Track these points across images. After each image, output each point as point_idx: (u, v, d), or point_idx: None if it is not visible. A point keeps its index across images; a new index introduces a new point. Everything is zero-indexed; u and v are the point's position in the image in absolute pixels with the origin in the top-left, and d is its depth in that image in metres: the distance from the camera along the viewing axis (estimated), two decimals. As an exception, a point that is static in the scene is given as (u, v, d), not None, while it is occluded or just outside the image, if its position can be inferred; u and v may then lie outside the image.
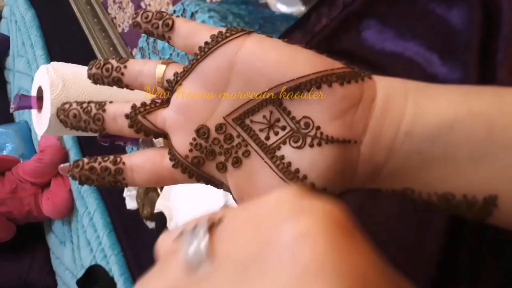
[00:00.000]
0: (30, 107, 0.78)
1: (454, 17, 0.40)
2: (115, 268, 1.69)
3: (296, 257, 0.15)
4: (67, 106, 0.31)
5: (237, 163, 0.29)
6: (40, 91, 0.77)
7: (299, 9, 0.92)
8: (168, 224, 0.81)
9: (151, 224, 1.15)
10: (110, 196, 1.85)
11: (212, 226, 0.18)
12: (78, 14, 2.23)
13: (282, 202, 0.17)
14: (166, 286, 0.17)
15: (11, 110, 0.80)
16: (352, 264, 0.15)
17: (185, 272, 0.17)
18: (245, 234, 0.17)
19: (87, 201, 1.96)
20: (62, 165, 0.31)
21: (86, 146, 2.11)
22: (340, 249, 0.15)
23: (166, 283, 0.17)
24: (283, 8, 0.98)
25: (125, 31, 1.97)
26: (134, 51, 1.88)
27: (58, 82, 0.75)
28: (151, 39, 1.11)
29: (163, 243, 0.19)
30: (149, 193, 1.09)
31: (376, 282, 0.15)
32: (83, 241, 1.97)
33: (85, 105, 0.31)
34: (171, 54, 1.06)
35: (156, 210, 0.88)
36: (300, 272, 0.15)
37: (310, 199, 0.17)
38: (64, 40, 2.40)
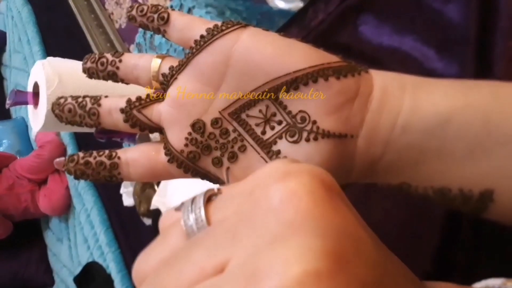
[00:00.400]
0: (26, 103, 0.78)
1: (451, 11, 0.40)
2: (112, 265, 1.69)
3: (280, 215, 0.16)
4: (62, 100, 0.31)
5: (233, 158, 0.29)
6: (36, 86, 0.76)
7: (297, 4, 0.92)
8: (164, 220, 0.81)
9: (148, 221, 1.15)
10: (107, 193, 1.84)
11: (211, 196, 0.19)
12: (75, 10, 2.22)
13: (273, 169, 0.18)
14: (168, 251, 0.18)
15: (7, 106, 0.80)
16: (334, 221, 0.16)
17: (185, 238, 0.18)
18: (238, 200, 0.18)
19: (84, 198, 1.95)
20: (57, 159, 0.31)
21: (83, 143, 2.11)
22: (323, 207, 0.16)
23: (168, 248, 0.18)
24: (281, 4, 0.98)
25: (122, 27, 1.97)
26: (132, 47, 1.88)
27: (54, 77, 0.75)
28: (148, 35, 1.11)
29: (165, 220, 0.20)
30: (146, 189, 1.09)
31: (356, 239, 0.16)
32: (80, 238, 1.97)
33: (80, 99, 0.31)
34: (168, 50, 1.06)
35: (152, 207, 0.88)
36: (283, 228, 0.15)
37: (298, 163, 0.18)
38: (61, 36, 2.39)
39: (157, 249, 0.18)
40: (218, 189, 0.19)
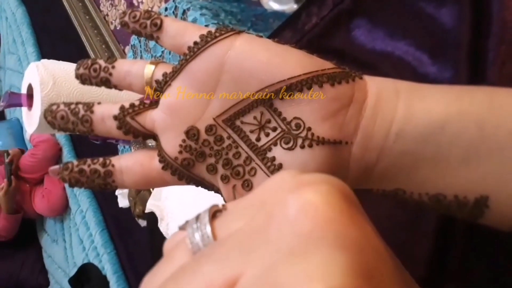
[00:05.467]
0: (20, 105, 0.78)
1: (444, 16, 0.40)
2: (107, 266, 1.68)
3: (297, 227, 0.15)
4: (54, 107, 0.31)
5: (228, 165, 0.29)
6: (30, 88, 0.76)
7: (291, 7, 0.92)
8: (159, 225, 0.81)
9: (143, 222, 1.15)
10: (103, 194, 1.84)
11: (215, 213, 0.18)
12: (69, 11, 2.22)
13: (283, 180, 0.17)
14: (174, 270, 0.17)
15: (0, 108, 0.80)
16: (354, 234, 0.15)
17: (191, 256, 0.17)
18: (248, 214, 0.17)
19: (80, 199, 1.95)
20: (52, 168, 0.31)
21: (79, 143, 2.10)
22: (342, 218, 0.15)
23: (174, 267, 0.17)
24: (275, 6, 0.98)
25: (117, 28, 1.96)
26: (127, 48, 1.87)
27: (48, 79, 0.74)
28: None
29: (169, 243, 0.19)
30: (141, 191, 1.09)
31: (377, 252, 0.15)
32: (75, 240, 1.96)
33: (72, 106, 0.30)
34: (163, 52, 1.06)
35: (147, 210, 0.87)
36: (301, 240, 0.15)
37: (310, 174, 0.17)
38: (56, 38, 2.39)
39: (163, 269, 0.18)
40: (223, 205, 0.19)
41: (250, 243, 0.15)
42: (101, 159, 0.30)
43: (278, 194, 0.17)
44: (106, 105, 0.30)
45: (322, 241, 0.14)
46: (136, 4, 1.80)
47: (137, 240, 1.61)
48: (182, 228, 0.19)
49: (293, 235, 0.15)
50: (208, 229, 0.17)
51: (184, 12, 0.97)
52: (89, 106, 0.30)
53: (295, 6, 0.97)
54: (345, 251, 0.14)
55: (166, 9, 1.03)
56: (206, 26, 0.91)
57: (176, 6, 1.00)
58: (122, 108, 0.30)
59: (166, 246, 0.19)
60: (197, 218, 0.18)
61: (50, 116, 0.31)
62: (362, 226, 0.16)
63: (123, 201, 1.30)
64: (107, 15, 2.04)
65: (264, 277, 0.14)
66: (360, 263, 0.14)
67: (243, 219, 0.17)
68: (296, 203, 0.16)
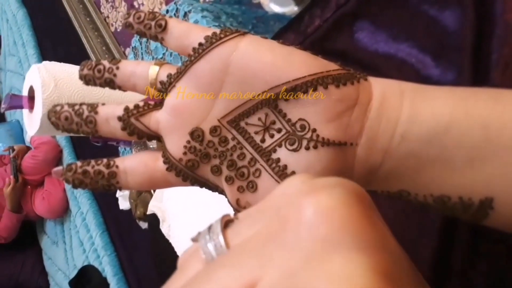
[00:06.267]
0: (21, 107, 0.78)
1: (447, 18, 0.40)
2: (108, 268, 1.68)
3: (314, 230, 0.15)
4: (58, 108, 0.30)
5: (232, 166, 0.29)
6: (31, 90, 0.76)
7: (292, 9, 0.92)
8: (160, 226, 0.81)
9: (144, 225, 1.15)
10: (103, 196, 1.84)
11: (227, 222, 0.18)
12: (70, 13, 2.22)
13: (295, 185, 0.17)
14: (188, 280, 0.17)
15: (1, 110, 0.80)
16: (372, 235, 0.15)
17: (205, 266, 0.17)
18: (262, 220, 0.17)
19: (80, 201, 1.95)
20: (55, 169, 0.31)
21: (79, 145, 2.10)
22: (360, 220, 0.15)
23: (188, 278, 0.17)
24: (276, 8, 0.98)
25: (118, 30, 1.96)
26: (127, 50, 1.88)
27: (49, 81, 0.74)
28: (144, 39, 1.10)
29: (183, 256, 0.19)
30: (142, 193, 1.09)
31: (395, 254, 0.15)
32: (75, 242, 1.96)
33: (77, 107, 0.30)
34: (164, 54, 1.06)
35: (149, 212, 0.87)
36: (320, 244, 0.14)
37: (323, 178, 0.17)
38: (56, 39, 2.39)
39: (177, 280, 0.17)
40: (235, 215, 0.19)
41: (266, 248, 0.15)
42: (105, 160, 0.30)
43: (292, 199, 0.16)
44: (110, 106, 0.30)
45: (341, 243, 0.14)
46: (137, 6, 1.80)
47: (137, 242, 1.61)
48: (194, 239, 0.19)
49: (311, 239, 0.15)
50: (221, 238, 0.17)
51: (185, 14, 0.98)
52: (93, 107, 0.30)
53: (295, 9, 0.97)
54: (365, 252, 0.14)
55: (167, 11, 1.03)
56: (208, 28, 0.91)
57: (177, 9, 1.00)
58: (126, 109, 0.30)
59: (180, 260, 0.19)
60: (209, 228, 0.18)
61: (54, 117, 0.30)
62: (379, 227, 0.16)
63: (123, 203, 1.30)
64: (108, 17, 2.04)
65: (284, 281, 0.14)
66: (380, 264, 0.14)
67: (256, 226, 0.17)
68: (311, 206, 0.15)
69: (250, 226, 0.17)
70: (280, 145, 0.28)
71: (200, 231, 0.18)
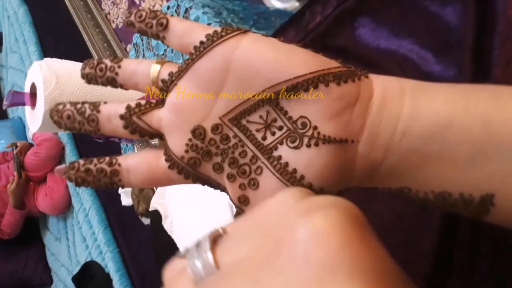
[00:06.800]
0: (23, 104, 0.78)
1: (449, 14, 0.40)
2: (110, 264, 1.69)
3: (309, 256, 0.15)
4: (60, 107, 0.31)
5: (234, 163, 0.29)
6: (33, 87, 0.76)
7: (293, 4, 0.92)
8: (163, 222, 0.81)
9: (146, 221, 1.15)
10: (105, 192, 1.85)
11: (216, 238, 0.18)
12: (71, 10, 2.22)
13: (287, 202, 0.17)
14: None
15: (4, 107, 0.80)
16: (368, 260, 0.15)
17: (194, 285, 0.17)
18: (253, 240, 0.16)
19: (83, 197, 1.96)
20: (58, 167, 0.31)
21: (81, 142, 2.11)
22: (355, 245, 0.15)
23: None
24: (277, 4, 0.98)
25: (119, 27, 1.96)
26: (128, 47, 1.87)
27: (51, 78, 0.75)
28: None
29: (169, 271, 0.19)
30: (144, 190, 1.09)
31: (392, 278, 0.15)
32: (78, 238, 1.97)
33: (79, 106, 0.30)
34: (165, 50, 1.06)
35: (151, 208, 0.88)
36: (315, 270, 0.14)
37: (317, 196, 0.17)
38: (57, 36, 2.39)
39: None
40: (223, 230, 0.18)
41: (259, 272, 0.15)
42: (107, 158, 0.30)
43: (286, 219, 0.16)
44: (112, 105, 0.30)
45: (337, 270, 0.14)
46: (137, 2, 1.80)
47: (140, 238, 1.62)
48: (182, 256, 0.18)
49: (306, 265, 0.14)
50: (210, 256, 0.17)
51: (186, 10, 0.97)
52: (95, 106, 0.30)
53: (297, 4, 0.97)
54: (362, 280, 0.14)
55: (168, 7, 1.03)
56: (209, 24, 0.91)
57: (178, 5, 1.00)
58: (128, 107, 0.30)
59: (166, 275, 0.18)
60: (197, 245, 0.17)
61: (57, 116, 0.31)
62: (376, 250, 0.15)
63: (126, 200, 1.30)
64: (109, 13, 2.04)
65: None
66: None
67: (246, 243, 0.16)
68: (306, 230, 0.15)
69: (240, 243, 0.17)
70: (281, 143, 0.28)
71: (188, 247, 0.18)
